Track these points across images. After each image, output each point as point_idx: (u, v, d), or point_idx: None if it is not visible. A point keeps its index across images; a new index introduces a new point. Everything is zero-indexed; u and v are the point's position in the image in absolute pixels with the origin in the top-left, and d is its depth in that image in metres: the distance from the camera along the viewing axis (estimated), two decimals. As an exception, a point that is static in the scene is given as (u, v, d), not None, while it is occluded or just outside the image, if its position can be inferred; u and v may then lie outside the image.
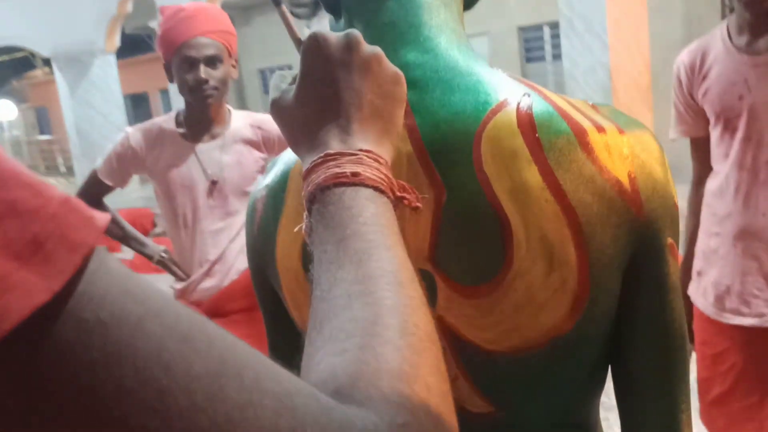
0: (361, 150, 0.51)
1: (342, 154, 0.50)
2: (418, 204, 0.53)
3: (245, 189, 2.11)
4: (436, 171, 0.63)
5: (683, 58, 1.91)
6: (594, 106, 0.66)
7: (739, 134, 1.75)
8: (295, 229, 0.58)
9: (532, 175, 0.60)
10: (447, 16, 0.69)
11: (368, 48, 0.55)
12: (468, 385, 0.65)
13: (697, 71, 1.87)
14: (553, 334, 0.62)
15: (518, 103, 0.62)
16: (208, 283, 2.10)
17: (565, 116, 0.62)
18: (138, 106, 18.09)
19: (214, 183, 2.06)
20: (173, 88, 12.35)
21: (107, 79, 10.76)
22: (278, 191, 0.71)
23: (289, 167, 0.71)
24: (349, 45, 0.54)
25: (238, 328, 2.11)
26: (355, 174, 0.49)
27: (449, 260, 0.63)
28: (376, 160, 0.51)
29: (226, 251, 2.09)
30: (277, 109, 0.57)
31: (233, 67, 2.06)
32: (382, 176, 0.50)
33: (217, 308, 2.10)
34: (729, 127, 1.78)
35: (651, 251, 0.63)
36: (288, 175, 0.71)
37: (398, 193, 0.52)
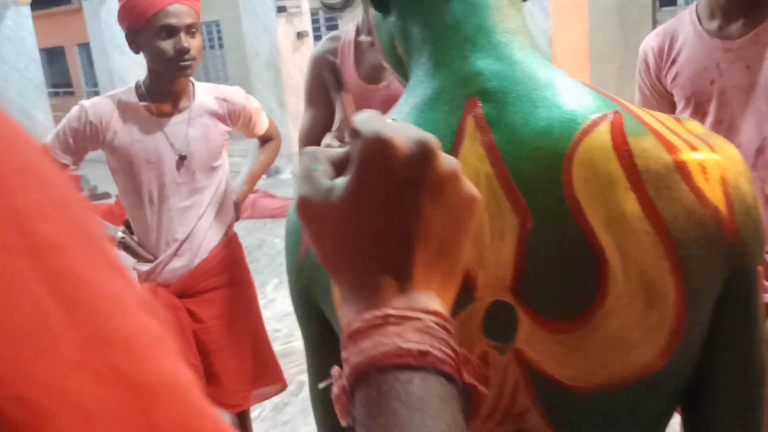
0: (427, 311, 0.41)
1: (405, 318, 0.40)
2: (485, 392, 0.43)
3: (212, 164, 2.04)
4: (520, 195, 0.57)
5: (650, 42, 1.92)
6: (678, 120, 0.62)
7: (710, 118, 1.78)
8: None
9: (630, 204, 0.56)
10: (516, 17, 0.64)
11: (445, 163, 0.43)
12: (541, 419, 0.61)
13: (665, 55, 1.88)
14: (644, 372, 0.58)
15: (611, 123, 0.58)
16: (177, 263, 2.03)
17: (660, 137, 0.58)
18: (54, 61, 17.13)
19: (182, 158, 1.97)
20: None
21: (21, 32, 10.10)
22: None
23: None
24: (424, 158, 0.42)
25: (211, 307, 2.06)
26: (423, 353, 0.38)
27: (534, 292, 0.58)
28: (444, 328, 0.41)
29: (195, 229, 2.02)
30: (311, 209, 0.43)
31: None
32: (452, 354, 0.40)
33: (187, 288, 2.04)
34: (699, 111, 1.81)
35: (743, 279, 0.59)
36: None
37: (467, 379, 0.41)
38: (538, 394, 0.60)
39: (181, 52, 1.86)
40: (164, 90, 1.96)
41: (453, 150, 0.60)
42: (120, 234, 2.07)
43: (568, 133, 0.58)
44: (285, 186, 7.79)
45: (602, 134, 0.58)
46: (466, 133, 0.60)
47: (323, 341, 0.69)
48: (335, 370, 0.43)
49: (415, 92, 0.64)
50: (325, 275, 0.62)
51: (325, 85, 1.94)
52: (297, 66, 8.13)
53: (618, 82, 7.24)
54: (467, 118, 0.60)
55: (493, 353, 0.59)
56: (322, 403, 0.70)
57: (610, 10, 7.38)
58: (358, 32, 1.94)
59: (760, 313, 0.62)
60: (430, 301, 0.42)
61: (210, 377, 2.05)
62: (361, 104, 1.90)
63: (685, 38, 1.83)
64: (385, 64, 0.76)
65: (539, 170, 0.57)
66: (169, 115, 1.98)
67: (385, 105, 1.86)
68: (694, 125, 0.63)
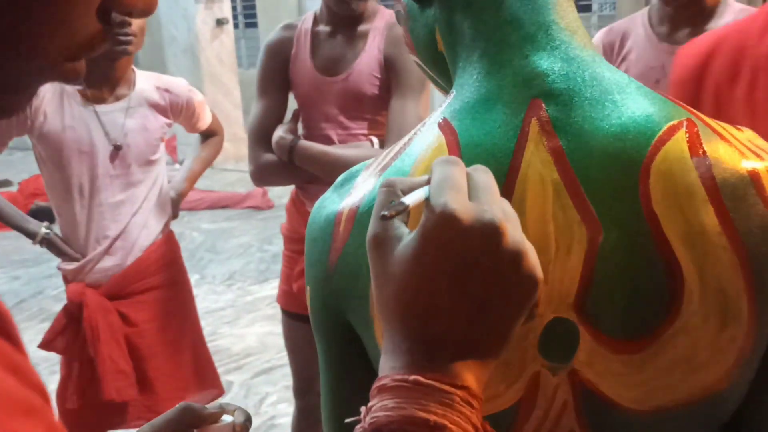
0: (455, 385, 0.42)
1: (433, 389, 0.41)
2: None
3: (149, 157, 1.91)
4: (590, 205, 0.54)
5: (602, 37, 2.04)
6: (739, 129, 0.60)
7: None
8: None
9: (709, 218, 0.53)
10: (573, 13, 0.60)
11: (512, 243, 0.43)
12: None
13: (615, 52, 2.00)
14: (706, 393, 0.55)
15: (686, 132, 0.55)
16: (109, 262, 1.89)
17: (733, 147, 0.56)
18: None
19: (117, 148, 1.83)
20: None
21: None
22: None
23: None
24: (490, 242, 0.42)
25: (144, 310, 1.93)
26: (439, 427, 0.40)
27: (600, 310, 0.54)
28: (469, 404, 0.42)
29: (129, 226, 1.88)
30: (381, 250, 0.45)
31: None
32: (471, 430, 0.42)
33: (119, 290, 1.90)
34: None
35: None
36: None
37: None
38: (588, 416, 0.57)
39: (121, 25, 1.71)
40: (101, 74, 1.80)
41: (516, 154, 0.55)
42: (43, 230, 1.90)
43: (644, 140, 0.54)
44: (203, 177, 7.51)
45: (680, 143, 0.55)
46: (530, 137, 0.56)
47: (342, 355, 0.64)
48: (363, 409, 0.44)
49: (466, 91, 0.59)
50: (360, 285, 0.59)
51: (278, 74, 1.84)
52: (216, 54, 7.88)
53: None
54: (531, 121, 0.56)
55: (545, 374, 0.56)
56: (336, 422, 0.65)
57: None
58: (315, 21, 1.85)
59: None
60: (464, 372, 0.43)
61: (142, 384, 1.92)
62: (315, 96, 1.82)
63: (636, 39, 1.98)
64: (415, 60, 0.69)
65: (612, 179, 0.54)
66: (106, 102, 1.83)
67: (342, 98, 1.79)
68: (752, 134, 0.61)
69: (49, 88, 1.79)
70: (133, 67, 1.89)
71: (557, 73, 0.56)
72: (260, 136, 1.84)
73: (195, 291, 4.42)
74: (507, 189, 0.55)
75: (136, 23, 1.74)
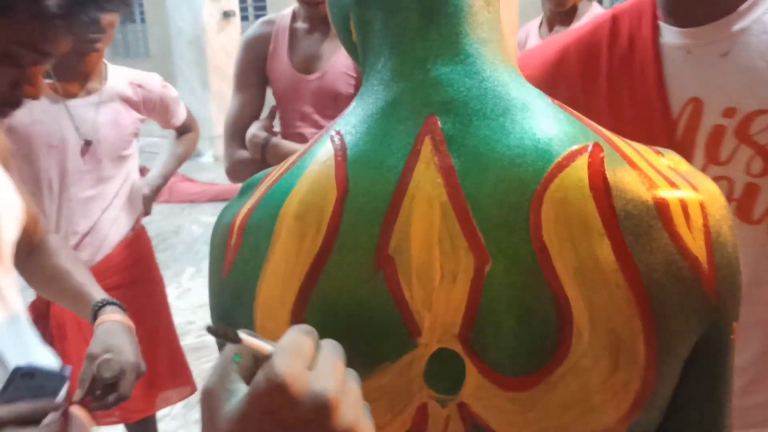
0: None
1: None
2: None
3: (120, 153, 1.88)
4: (478, 231, 0.50)
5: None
6: (659, 153, 0.56)
7: None
8: None
9: (605, 252, 0.49)
10: (491, 22, 0.56)
11: (344, 421, 0.39)
12: None
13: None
14: None
15: (589, 157, 0.51)
16: (78, 258, 1.85)
17: (641, 175, 0.51)
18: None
19: (87, 143, 1.80)
20: None
21: None
22: (263, 232, 0.55)
23: (278, 205, 0.55)
24: (317, 417, 0.39)
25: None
26: None
27: (487, 343, 0.51)
28: None
29: (99, 222, 1.86)
30: (209, 403, 0.42)
31: None
32: None
33: (88, 287, 1.86)
34: None
35: (717, 337, 0.54)
36: (277, 214, 0.54)
37: None
38: None
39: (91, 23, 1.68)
40: (71, 68, 1.78)
41: (405, 173, 0.52)
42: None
43: (541, 165, 0.50)
44: (205, 170, 7.52)
45: (579, 170, 0.50)
46: (422, 156, 0.52)
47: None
48: None
49: (366, 101, 0.56)
50: (246, 304, 0.56)
51: (255, 70, 1.81)
52: (222, 46, 7.86)
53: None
54: (425, 139, 0.52)
55: (434, 405, 0.53)
56: None
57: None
58: (294, 18, 1.82)
59: (729, 374, 0.56)
60: None
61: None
62: (291, 94, 1.78)
63: (531, 44, 2.17)
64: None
65: (504, 205, 0.50)
66: (76, 96, 1.81)
67: (317, 97, 1.75)
68: (676, 160, 0.56)
69: None
70: (104, 60, 1.86)
71: (457, 89, 0.53)
72: (235, 132, 1.81)
73: (189, 284, 4.37)
74: (392, 210, 0.51)
75: (105, 18, 1.71)
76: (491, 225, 0.50)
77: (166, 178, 2.11)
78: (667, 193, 0.51)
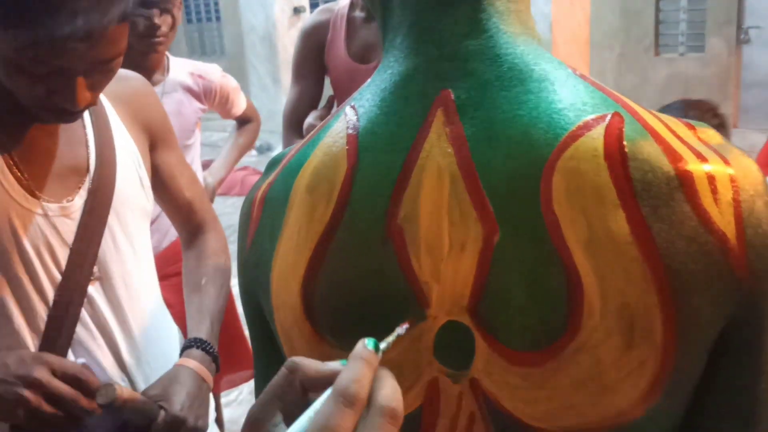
0: None
1: None
2: None
3: (184, 142, 1.94)
4: (488, 201, 0.49)
5: None
6: (690, 126, 0.53)
7: None
8: None
9: (618, 224, 0.47)
10: None
11: None
12: None
13: None
14: (620, 420, 0.49)
15: (606, 127, 0.49)
16: (145, 245, 1.92)
17: (665, 146, 0.49)
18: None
19: (153, 134, 1.87)
20: None
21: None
22: (279, 203, 0.57)
23: (293, 177, 0.56)
24: None
25: (179, 292, 1.96)
26: None
27: (496, 316, 0.49)
28: None
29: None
30: None
31: (178, 8, 1.86)
32: None
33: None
34: None
35: (750, 321, 0.50)
36: (292, 186, 0.56)
37: None
38: (497, 431, 0.52)
39: (152, 29, 1.76)
40: (136, 64, 1.85)
41: (416, 143, 0.52)
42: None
43: (554, 134, 0.49)
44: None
45: (594, 140, 0.48)
46: (434, 127, 0.52)
47: (263, 345, 0.63)
48: None
49: (382, 76, 0.56)
50: (264, 274, 0.57)
51: (313, 59, 1.83)
52: (293, 41, 7.95)
53: (617, 70, 7.12)
54: (437, 112, 0.52)
55: (444, 380, 0.52)
56: None
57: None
58: (352, 7, 1.83)
59: (766, 363, 0.52)
60: None
61: (177, 364, 1.96)
62: (348, 83, 1.80)
63: None
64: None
65: (515, 175, 0.49)
66: None
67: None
68: (710, 134, 0.53)
69: None
70: (167, 53, 1.93)
71: (473, 63, 0.52)
72: (293, 122, 1.84)
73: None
74: (402, 181, 0.51)
75: (164, 22, 1.77)
76: (501, 194, 0.49)
77: (229, 169, 2.17)
78: (692, 165, 0.49)
